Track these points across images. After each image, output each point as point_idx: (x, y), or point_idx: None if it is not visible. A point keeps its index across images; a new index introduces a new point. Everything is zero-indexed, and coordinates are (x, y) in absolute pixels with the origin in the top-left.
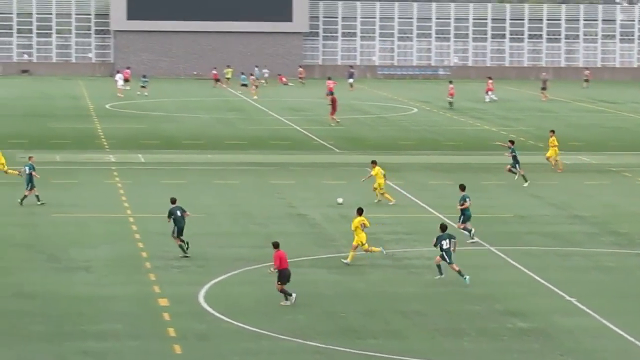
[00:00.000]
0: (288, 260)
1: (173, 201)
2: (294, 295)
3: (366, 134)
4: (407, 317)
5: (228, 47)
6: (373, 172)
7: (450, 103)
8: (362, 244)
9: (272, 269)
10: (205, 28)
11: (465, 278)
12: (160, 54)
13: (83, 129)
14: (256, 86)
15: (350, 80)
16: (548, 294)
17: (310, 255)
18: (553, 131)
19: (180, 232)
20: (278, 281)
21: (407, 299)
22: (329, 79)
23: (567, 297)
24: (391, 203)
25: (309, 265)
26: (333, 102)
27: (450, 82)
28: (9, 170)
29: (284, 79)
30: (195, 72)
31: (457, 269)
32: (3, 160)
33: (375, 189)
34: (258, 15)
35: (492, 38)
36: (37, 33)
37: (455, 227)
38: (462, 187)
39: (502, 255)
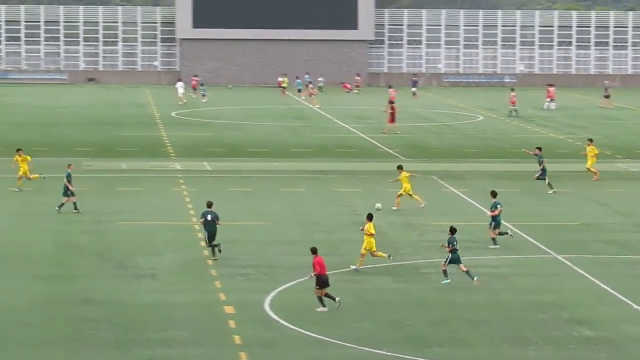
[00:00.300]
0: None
1: (209, 205)
2: (338, 299)
3: (432, 141)
4: (473, 325)
5: (293, 55)
6: (400, 178)
7: (512, 111)
8: (371, 250)
9: (312, 275)
10: (271, 36)
11: (474, 278)
12: (226, 62)
13: (149, 137)
14: (311, 94)
15: (414, 89)
16: (615, 302)
17: (375, 264)
18: (591, 140)
19: (210, 237)
20: (317, 286)
21: (473, 308)
22: (391, 87)
23: (635, 306)
24: (422, 206)
25: (374, 273)
26: (393, 111)
27: (512, 90)
28: (32, 176)
29: (348, 87)
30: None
31: (465, 269)
32: (27, 168)
33: (401, 195)
34: (324, 24)
35: (559, 46)
36: (104, 42)
37: (493, 234)
38: (494, 194)
39: (569, 264)
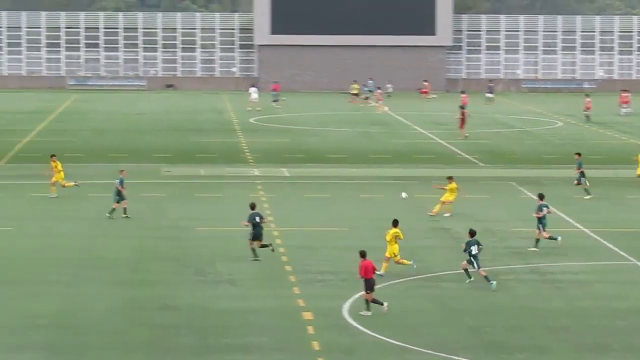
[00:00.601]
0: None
1: (252, 207)
2: (385, 304)
3: (510, 147)
4: (552, 332)
5: (370, 61)
6: (448, 187)
7: (587, 117)
8: (395, 256)
9: (378, 274)
10: (348, 42)
11: (492, 283)
12: (304, 68)
13: (227, 143)
14: (379, 100)
15: (490, 95)
16: None
17: (453, 270)
18: None
19: (255, 237)
20: (366, 290)
21: (552, 314)
22: (463, 93)
23: None
24: (447, 215)
25: (452, 279)
26: (463, 116)
27: (587, 95)
28: (66, 184)
29: (425, 92)
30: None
31: (484, 274)
32: (62, 175)
33: (443, 202)
34: (401, 29)
35: (638, 51)
36: (182, 48)
37: (541, 237)
38: (541, 196)
39: None
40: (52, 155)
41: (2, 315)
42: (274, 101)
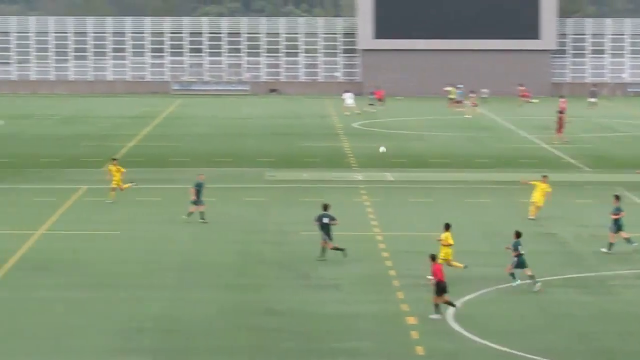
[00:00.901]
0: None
1: (325, 207)
2: (457, 305)
3: (616, 152)
4: None
5: (474, 65)
6: (535, 182)
7: None
8: (446, 259)
9: (431, 279)
10: (451, 46)
11: (536, 283)
12: (407, 73)
13: (331, 148)
14: (473, 104)
15: (592, 100)
16: None
17: (560, 275)
18: None
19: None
20: (436, 294)
21: None
22: (562, 97)
23: None
24: (532, 217)
25: (559, 284)
26: (561, 121)
27: None
28: (124, 186)
29: (527, 96)
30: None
31: (529, 273)
32: (118, 178)
33: (533, 203)
34: (505, 33)
35: None
36: (286, 53)
37: (622, 237)
38: (617, 198)
39: None
40: (114, 159)
41: (108, 319)
42: (370, 104)
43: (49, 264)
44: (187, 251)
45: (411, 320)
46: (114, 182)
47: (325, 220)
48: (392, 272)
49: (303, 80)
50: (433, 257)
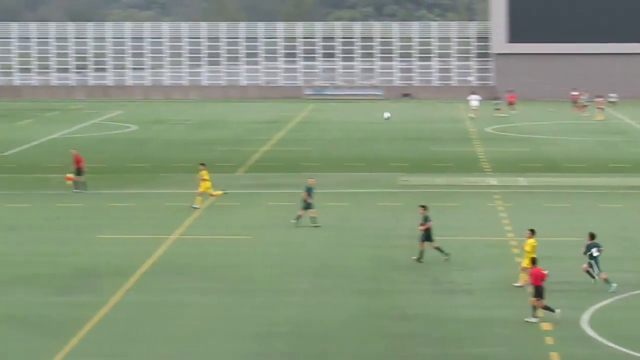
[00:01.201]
0: None
1: (424, 208)
2: (557, 311)
3: None
4: None
5: (608, 69)
6: None
7: None
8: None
9: (527, 283)
10: (585, 50)
11: (611, 285)
12: (541, 77)
13: (464, 152)
14: (599, 108)
15: None
16: None
17: None
18: None
19: (426, 238)
20: (534, 297)
21: None
22: None
23: None
24: None
25: None
26: None
27: None
28: (214, 193)
29: None
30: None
31: (604, 277)
32: (208, 185)
33: None
34: None
35: None
36: (419, 57)
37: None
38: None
39: None
40: (202, 164)
41: (243, 323)
42: (497, 109)
43: (183, 268)
44: (320, 256)
45: (546, 326)
46: (202, 187)
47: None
48: (526, 277)
49: (436, 85)
50: (534, 261)
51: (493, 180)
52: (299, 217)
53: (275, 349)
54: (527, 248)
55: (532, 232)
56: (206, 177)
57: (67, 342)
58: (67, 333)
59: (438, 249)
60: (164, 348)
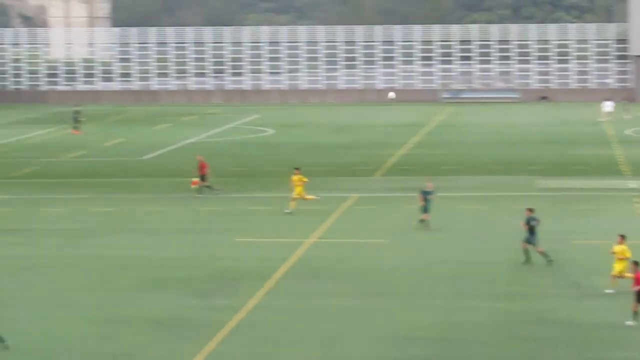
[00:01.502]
0: None
1: (530, 210)
2: None
3: None
4: None
5: None
6: None
7: None
8: (621, 273)
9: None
10: None
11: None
12: None
13: (602, 155)
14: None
15: None
16: None
17: None
18: None
19: (528, 240)
20: (638, 301)
21: None
22: None
23: None
24: None
25: None
26: None
27: None
28: (308, 197)
29: None
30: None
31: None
32: (300, 189)
33: None
34: None
35: None
36: (557, 60)
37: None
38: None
39: None
40: (296, 169)
41: (381, 327)
42: (625, 110)
43: (320, 272)
44: (457, 259)
45: None
46: (295, 193)
47: (532, 222)
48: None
49: (574, 87)
50: (637, 264)
51: (633, 184)
52: (422, 221)
53: (414, 353)
54: (619, 255)
55: (623, 237)
56: (298, 182)
57: (206, 345)
58: (206, 336)
59: (542, 253)
60: (303, 352)
